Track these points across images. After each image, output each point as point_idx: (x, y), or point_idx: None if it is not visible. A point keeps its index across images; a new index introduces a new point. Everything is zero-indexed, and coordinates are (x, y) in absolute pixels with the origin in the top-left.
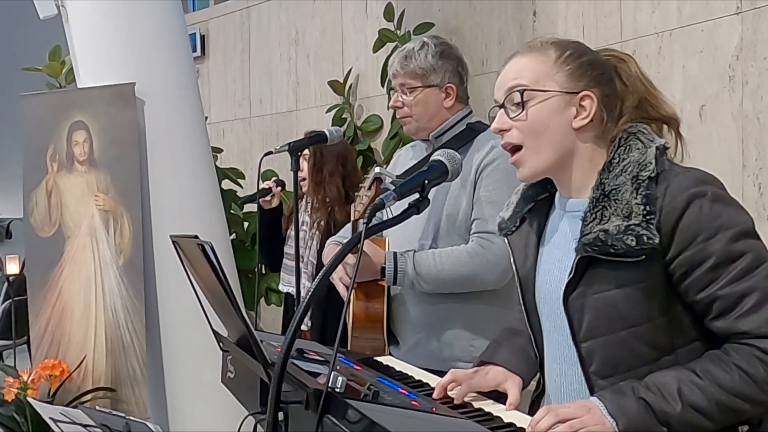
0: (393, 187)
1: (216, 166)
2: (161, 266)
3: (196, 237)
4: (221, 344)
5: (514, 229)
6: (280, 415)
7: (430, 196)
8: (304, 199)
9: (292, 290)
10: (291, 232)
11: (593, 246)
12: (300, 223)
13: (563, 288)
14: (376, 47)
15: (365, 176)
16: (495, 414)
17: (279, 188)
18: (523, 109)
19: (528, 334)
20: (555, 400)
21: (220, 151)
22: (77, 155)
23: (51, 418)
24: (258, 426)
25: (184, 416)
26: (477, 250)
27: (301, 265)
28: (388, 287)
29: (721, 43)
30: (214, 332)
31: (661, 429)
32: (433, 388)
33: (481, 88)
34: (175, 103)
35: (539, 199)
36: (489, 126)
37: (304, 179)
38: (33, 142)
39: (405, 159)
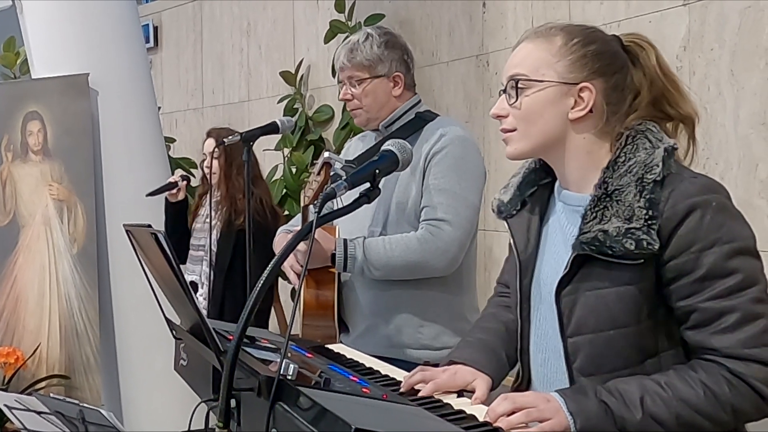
0: (343, 173)
1: (169, 156)
2: (115, 255)
3: (149, 226)
4: (174, 332)
5: (514, 212)
6: (233, 402)
7: (380, 185)
8: (209, 192)
9: (196, 278)
10: (197, 225)
11: (591, 245)
12: (201, 215)
13: (557, 282)
14: (328, 38)
15: (314, 162)
16: (445, 401)
17: (185, 182)
18: (518, 98)
19: (504, 327)
20: (539, 389)
21: (172, 141)
22: (31, 145)
23: (5, 405)
24: (210, 413)
25: (137, 403)
26: (427, 237)
27: (202, 253)
28: (339, 274)
29: (668, 34)
30: (167, 320)
31: None
32: (384, 376)
33: (431, 79)
34: (129, 93)
35: (542, 184)
36: (438, 115)
37: (214, 173)
38: None
39: (356, 150)
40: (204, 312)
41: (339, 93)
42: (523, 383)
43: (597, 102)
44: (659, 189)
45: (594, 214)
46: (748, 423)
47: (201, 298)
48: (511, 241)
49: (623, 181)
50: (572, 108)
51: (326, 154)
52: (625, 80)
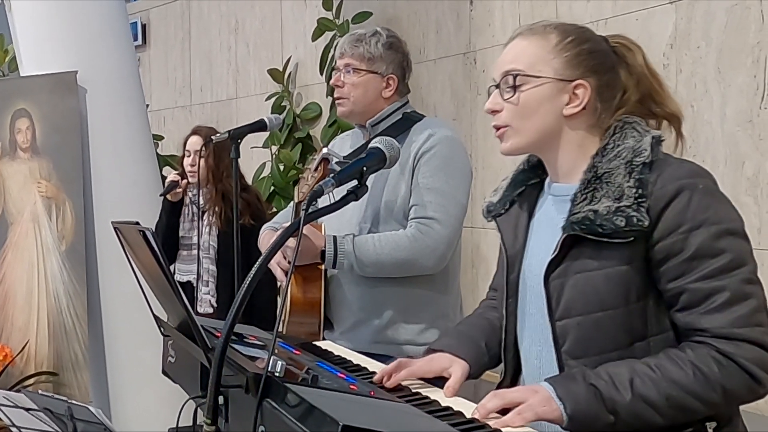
0: (339, 169)
1: (157, 154)
2: (103, 252)
3: (138, 223)
4: (162, 329)
5: (503, 211)
6: (221, 399)
7: (368, 183)
8: (198, 189)
9: (192, 278)
10: (184, 224)
11: (581, 225)
12: (189, 213)
13: (545, 266)
14: (315, 36)
15: (313, 157)
16: (433, 398)
17: (185, 182)
18: (515, 93)
19: (487, 322)
20: (533, 383)
21: (161, 138)
22: (20, 143)
23: None
24: (198, 410)
25: (125, 400)
26: (416, 235)
27: (196, 251)
28: (326, 271)
29: (655, 32)
30: (155, 317)
31: (608, 416)
32: (371, 373)
33: (418, 77)
34: (117, 91)
35: (530, 184)
36: (425, 116)
37: (196, 171)
38: None
39: (342, 147)
40: (210, 309)
41: (328, 88)
42: (506, 381)
43: (590, 99)
44: (648, 171)
45: (584, 196)
46: (741, 405)
47: (209, 295)
48: (500, 239)
49: (612, 165)
50: (567, 104)
51: (324, 149)
52: (615, 79)
